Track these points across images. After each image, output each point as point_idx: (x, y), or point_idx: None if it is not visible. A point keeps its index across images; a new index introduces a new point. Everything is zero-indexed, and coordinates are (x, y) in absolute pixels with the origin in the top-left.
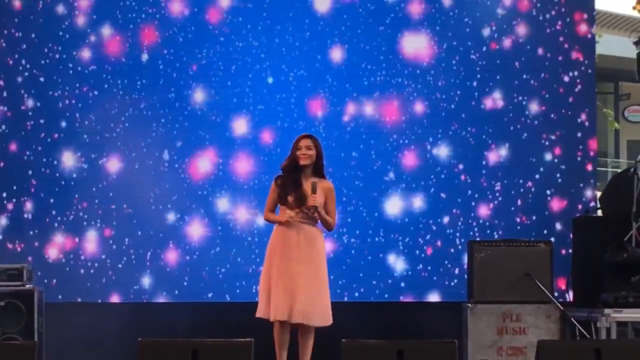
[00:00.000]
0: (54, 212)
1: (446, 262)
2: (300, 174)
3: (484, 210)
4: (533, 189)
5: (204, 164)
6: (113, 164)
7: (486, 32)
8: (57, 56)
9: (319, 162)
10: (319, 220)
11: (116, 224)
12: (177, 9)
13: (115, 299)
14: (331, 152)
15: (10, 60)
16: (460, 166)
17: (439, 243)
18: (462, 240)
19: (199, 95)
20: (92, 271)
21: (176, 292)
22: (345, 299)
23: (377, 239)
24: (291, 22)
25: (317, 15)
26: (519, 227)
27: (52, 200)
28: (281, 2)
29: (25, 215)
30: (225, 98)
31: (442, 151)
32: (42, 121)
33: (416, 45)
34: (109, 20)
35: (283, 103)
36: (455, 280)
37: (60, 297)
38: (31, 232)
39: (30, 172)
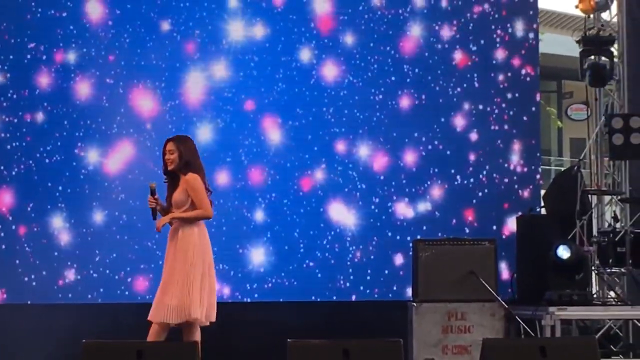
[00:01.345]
0: None
1: (391, 261)
2: (175, 175)
3: (427, 210)
4: (478, 190)
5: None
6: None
7: (425, 29)
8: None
9: (180, 162)
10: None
11: (57, 222)
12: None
13: (60, 299)
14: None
15: None
16: (405, 165)
17: (383, 242)
18: (408, 239)
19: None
20: (39, 271)
21: (125, 292)
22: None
23: (325, 241)
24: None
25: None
26: (466, 229)
27: None
28: None
29: None
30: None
31: (390, 151)
32: None
33: (358, 43)
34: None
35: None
36: (401, 280)
37: (5, 297)
38: None
39: None
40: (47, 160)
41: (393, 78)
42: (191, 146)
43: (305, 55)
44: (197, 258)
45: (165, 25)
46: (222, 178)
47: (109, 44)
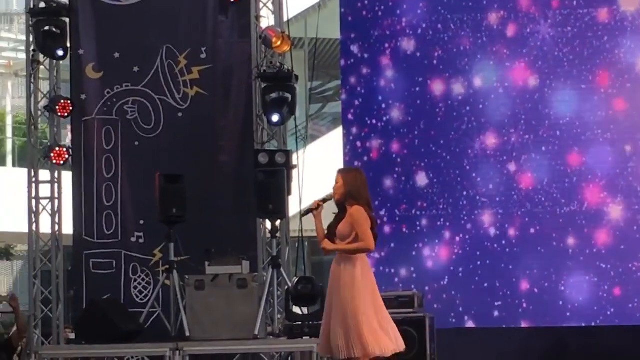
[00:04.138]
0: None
1: None
2: (343, 208)
3: None
4: None
5: None
6: None
7: None
8: None
9: (344, 192)
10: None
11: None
12: None
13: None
14: None
15: None
16: None
17: None
18: None
19: None
20: (481, 294)
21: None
22: None
23: None
24: None
25: None
26: None
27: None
28: None
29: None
30: None
31: None
32: None
33: None
34: None
35: None
36: None
37: (452, 321)
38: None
39: None
40: None
41: None
42: (357, 178)
43: None
44: (362, 290)
45: None
46: None
47: None
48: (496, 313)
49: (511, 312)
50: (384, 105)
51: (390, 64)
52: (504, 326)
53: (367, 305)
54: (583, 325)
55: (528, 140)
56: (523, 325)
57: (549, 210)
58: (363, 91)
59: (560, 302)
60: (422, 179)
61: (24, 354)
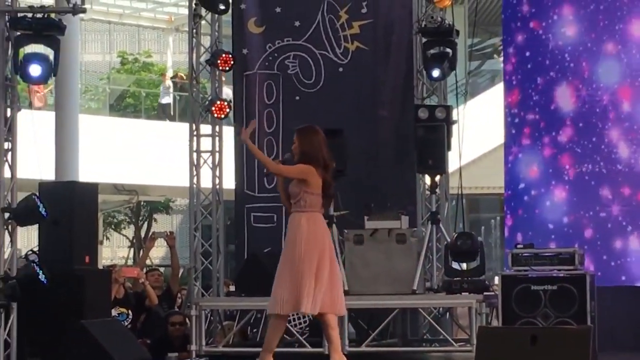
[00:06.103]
0: None
1: None
2: None
3: None
4: None
5: None
6: None
7: None
8: None
9: (299, 153)
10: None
11: None
12: None
13: None
14: None
15: None
16: None
17: None
18: None
19: None
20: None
21: None
22: None
23: None
24: None
25: None
26: None
27: None
28: None
29: None
30: None
31: None
32: None
33: None
34: None
35: None
36: None
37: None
38: None
39: None
40: None
41: None
42: (311, 138)
43: None
44: (306, 248)
45: None
46: None
47: None
48: None
49: None
50: (547, 62)
51: (558, 19)
52: None
53: (312, 262)
54: None
55: None
56: None
57: None
58: (525, 48)
59: None
60: (580, 136)
61: (184, 305)
